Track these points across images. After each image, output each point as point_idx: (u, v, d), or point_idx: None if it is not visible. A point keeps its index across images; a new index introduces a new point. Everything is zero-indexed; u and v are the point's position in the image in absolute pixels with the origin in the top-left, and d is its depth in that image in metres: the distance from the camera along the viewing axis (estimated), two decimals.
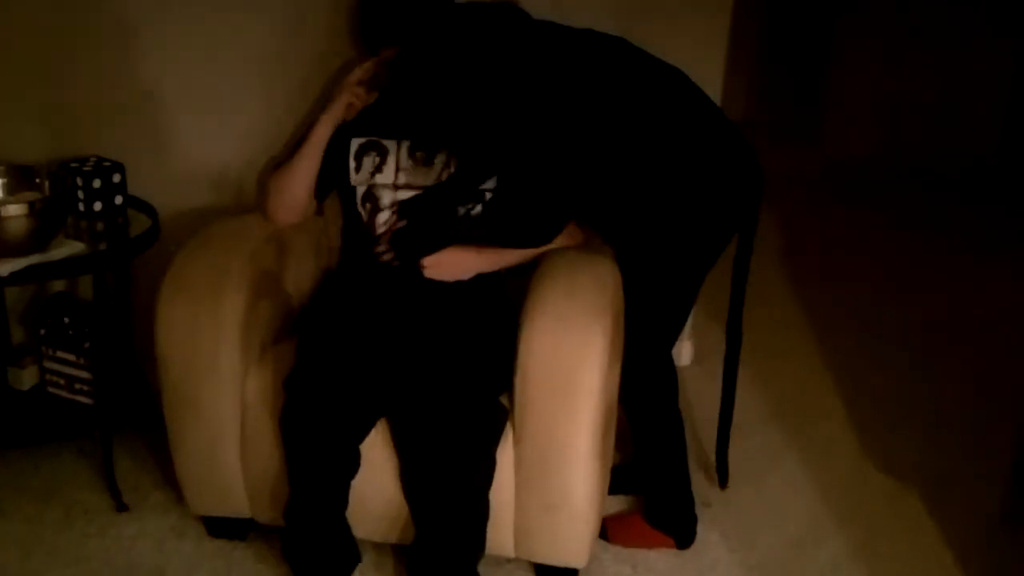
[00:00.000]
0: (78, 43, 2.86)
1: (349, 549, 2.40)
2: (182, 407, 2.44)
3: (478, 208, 2.60)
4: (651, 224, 2.42)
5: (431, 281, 2.53)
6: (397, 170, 2.62)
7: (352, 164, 2.64)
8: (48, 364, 2.92)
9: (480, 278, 2.57)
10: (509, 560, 2.50)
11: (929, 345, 3.91)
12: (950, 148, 6.01)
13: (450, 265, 2.53)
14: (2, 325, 3.04)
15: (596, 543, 2.52)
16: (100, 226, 2.79)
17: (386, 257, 2.59)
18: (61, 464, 2.93)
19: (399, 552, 2.52)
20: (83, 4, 2.83)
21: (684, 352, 3.56)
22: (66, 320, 2.89)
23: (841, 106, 6.14)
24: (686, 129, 2.37)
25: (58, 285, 3.08)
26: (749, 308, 2.68)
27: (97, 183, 2.79)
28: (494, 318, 2.51)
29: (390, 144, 2.63)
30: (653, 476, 2.71)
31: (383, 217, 2.63)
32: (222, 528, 2.63)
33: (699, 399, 3.25)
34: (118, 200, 2.84)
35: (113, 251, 2.72)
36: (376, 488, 2.35)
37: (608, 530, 2.68)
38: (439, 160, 2.60)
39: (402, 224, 2.60)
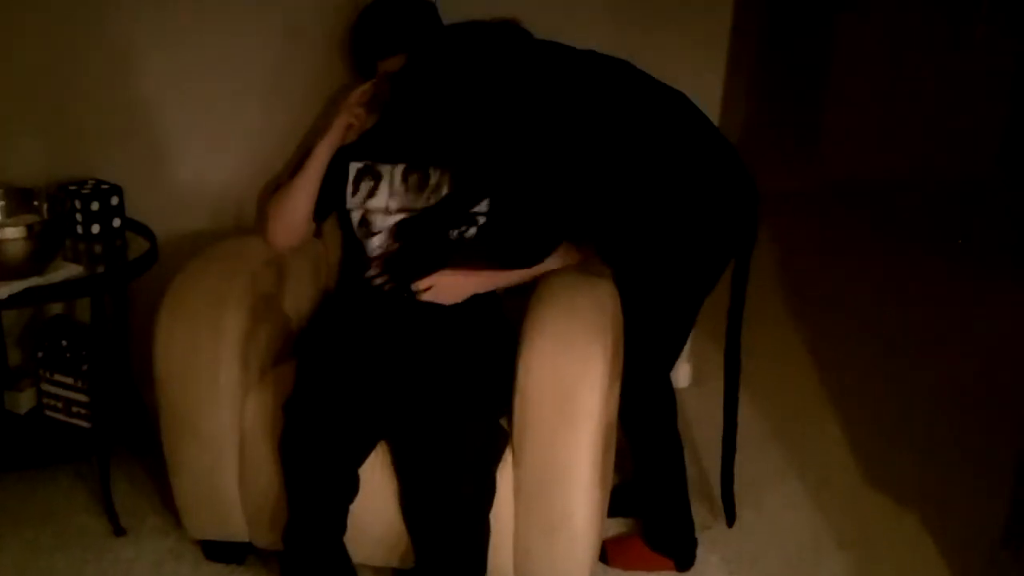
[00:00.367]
0: (77, 67, 2.87)
1: (347, 573, 2.39)
2: (180, 430, 2.43)
3: (472, 230, 2.60)
4: (650, 247, 2.42)
5: (428, 303, 2.53)
6: (390, 195, 2.63)
7: (349, 188, 2.65)
8: (46, 387, 2.91)
9: (477, 299, 2.57)
10: None
11: (929, 365, 3.91)
12: (948, 162, 6.03)
13: (444, 288, 2.53)
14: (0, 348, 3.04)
15: (596, 566, 2.51)
16: (98, 249, 2.79)
17: (378, 281, 2.59)
18: (58, 487, 2.92)
19: None
20: (83, 28, 2.84)
21: (683, 374, 3.55)
22: (64, 343, 2.88)
23: (838, 123, 6.15)
24: (685, 153, 2.37)
25: (56, 308, 3.08)
26: (746, 328, 2.67)
27: (95, 206, 2.79)
28: (492, 339, 2.51)
29: (384, 169, 2.64)
30: (653, 498, 2.70)
31: (376, 241, 2.63)
32: (220, 552, 2.62)
33: (698, 421, 3.24)
34: (116, 223, 2.84)
35: (111, 274, 2.72)
36: (375, 512, 2.33)
37: (608, 553, 2.67)
38: (431, 185, 2.61)
39: (395, 248, 2.60)
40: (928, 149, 6.04)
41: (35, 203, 2.71)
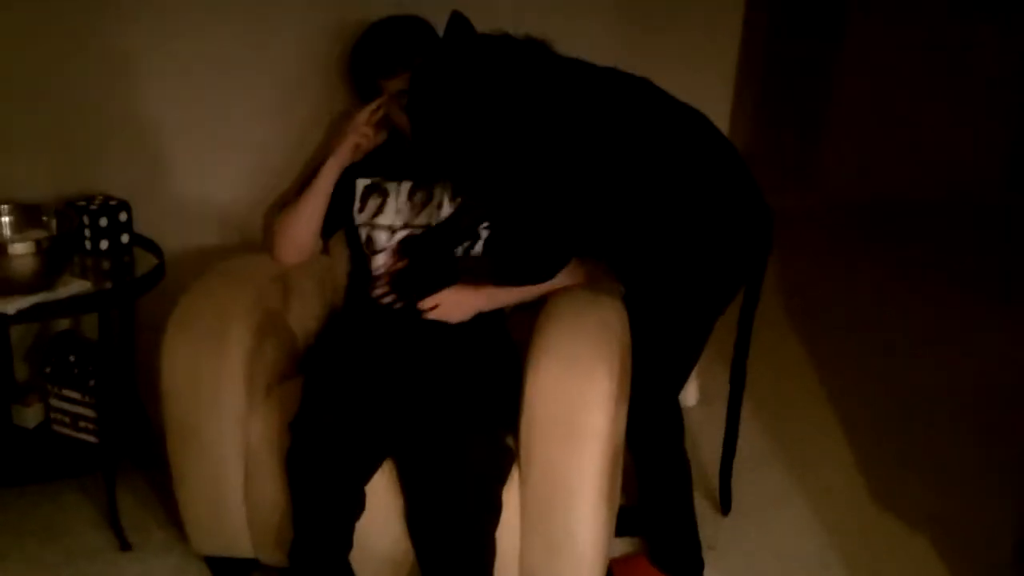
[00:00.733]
0: (86, 82, 2.88)
1: None
2: (186, 447, 2.43)
3: (478, 247, 2.60)
4: (664, 267, 2.41)
5: (434, 321, 2.53)
6: (396, 212, 2.63)
7: (357, 205, 2.66)
8: (53, 402, 2.91)
9: (482, 317, 2.58)
10: None
11: (935, 384, 3.89)
12: (951, 182, 6.02)
13: (450, 306, 2.54)
14: (7, 363, 3.04)
15: None
16: (106, 264, 2.79)
17: (385, 300, 2.59)
18: (64, 502, 2.92)
19: None
20: (91, 45, 2.85)
21: (690, 393, 3.54)
22: (71, 358, 2.89)
23: (840, 143, 6.15)
24: (701, 173, 2.35)
25: (63, 323, 3.08)
26: (753, 353, 2.67)
27: (104, 221, 2.79)
28: (497, 357, 2.51)
29: (391, 186, 2.65)
30: (659, 518, 2.69)
31: (380, 259, 2.63)
32: (226, 568, 2.62)
33: (705, 441, 3.23)
34: (124, 239, 2.84)
35: (118, 290, 2.72)
36: (381, 529, 2.33)
37: (614, 572, 2.66)
38: (437, 202, 2.61)
39: (401, 266, 2.60)
40: (931, 169, 6.03)
41: (43, 219, 2.71)
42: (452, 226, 2.60)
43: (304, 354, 2.65)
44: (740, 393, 2.74)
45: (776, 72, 6.05)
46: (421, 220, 2.63)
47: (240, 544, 2.50)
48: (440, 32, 2.59)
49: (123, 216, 2.83)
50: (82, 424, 2.87)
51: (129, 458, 2.96)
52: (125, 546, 2.75)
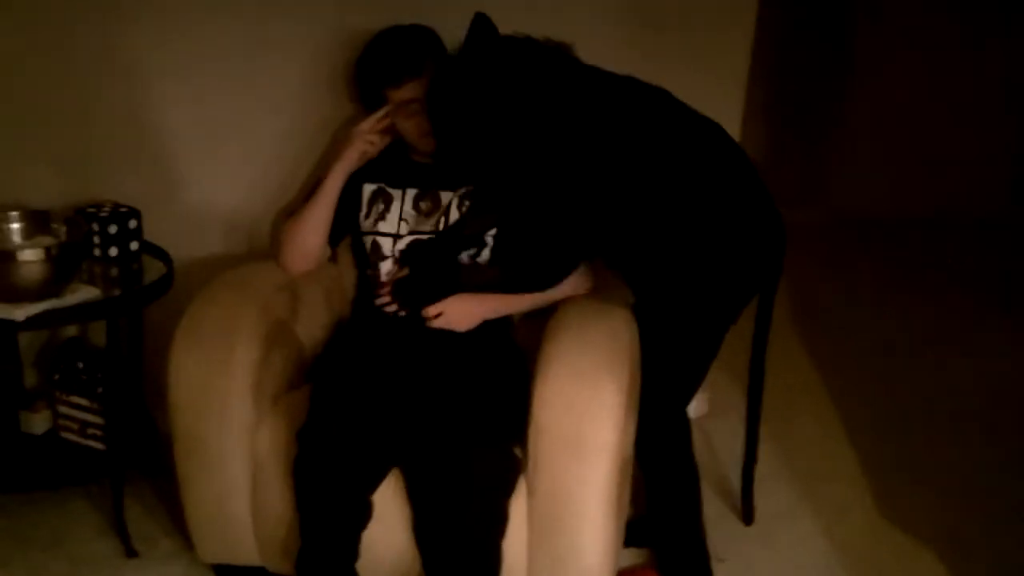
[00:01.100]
0: (96, 91, 2.89)
1: None
2: (193, 456, 2.43)
3: (484, 254, 2.60)
4: (675, 279, 2.41)
5: (441, 329, 2.52)
6: (400, 219, 2.63)
7: (363, 210, 2.65)
8: (61, 409, 2.91)
9: (489, 326, 2.57)
10: None
11: (945, 400, 3.86)
12: (960, 197, 6.00)
13: (456, 314, 2.53)
14: (16, 369, 3.05)
15: None
16: (115, 271, 2.79)
17: (390, 308, 2.59)
18: (71, 509, 2.92)
19: None
20: (102, 54, 2.86)
21: (699, 404, 3.53)
22: (80, 365, 2.89)
23: (848, 160, 6.14)
24: (716, 185, 2.35)
25: (72, 330, 3.09)
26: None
27: (113, 229, 2.79)
28: (505, 367, 2.51)
29: (396, 193, 2.64)
30: (667, 530, 2.68)
31: (386, 267, 2.63)
32: None
33: (715, 452, 3.22)
34: (134, 246, 2.84)
35: (127, 297, 2.72)
36: (388, 539, 2.32)
37: None
38: (442, 210, 2.61)
39: (403, 273, 2.59)
40: (939, 184, 6.01)
41: (53, 226, 2.71)
42: (456, 233, 2.59)
43: (311, 363, 2.65)
44: (759, 403, 2.74)
45: (785, 85, 6.03)
46: (428, 227, 2.62)
47: (247, 553, 2.50)
48: (445, 41, 2.61)
49: (132, 223, 2.83)
50: (90, 431, 2.87)
51: (136, 466, 2.95)
52: (131, 554, 2.75)
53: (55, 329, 3.06)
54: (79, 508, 2.93)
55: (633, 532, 2.72)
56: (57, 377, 2.91)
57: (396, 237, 2.63)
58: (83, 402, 2.86)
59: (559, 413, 2.19)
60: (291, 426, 2.34)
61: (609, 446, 2.19)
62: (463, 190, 2.60)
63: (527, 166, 2.32)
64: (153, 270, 2.81)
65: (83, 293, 2.59)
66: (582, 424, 2.18)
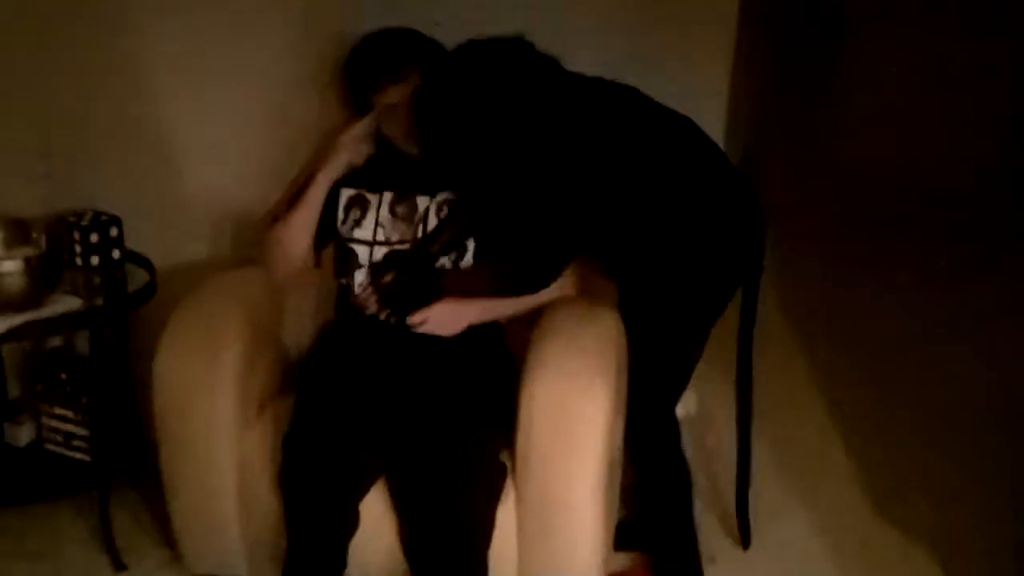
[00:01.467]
0: (75, 97, 2.86)
1: None
2: (179, 465, 2.41)
3: (467, 258, 2.57)
4: (657, 273, 2.40)
5: (427, 335, 2.50)
6: (376, 225, 2.60)
7: (340, 216, 2.63)
8: (45, 420, 2.89)
9: (477, 330, 2.55)
10: None
11: (942, 395, 3.84)
12: (962, 187, 6.00)
13: (440, 320, 2.50)
14: None
15: None
16: (97, 280, 2.77)
17: (368, 312, 2.56)
18: (58, 522, 2.89)
19: None
20: (80, 59, 2.83)
21: (689, 402, 3.51)
22: (63, 376, 2.87)
23: (841, 144, 6.13)
24: (692, 178, 2.36)
25: (56, 340, 3.05)
26: (756, 364, 2.64)
27: (94, 237, 2.77)
28: (492, 370, 2.49)
29: (373, 198, 2.62)
30: (658, 531, 2.67)
31: (360, 276, 2.60)
32: None
33: (704, 450, 3.21)
34: (115, 254, 2.82)
35: (110, 307, 2.70)
36: (375, 547, 2.31)
37: None
38: (419, 214, 2.58)
39: (387, 280, 2.57)
40: (940, 174, 6.00)
41: (33, 235, 2.68)
42: (434, 240, 2.56)
43: (298, 369, 2.63)
44: (749, 405, 2.72)
45: (776, 71, 6.02)
46: (405, 235, 2.59)
47: (234, 562, 2.48)
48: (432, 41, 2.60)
49: (114, 231, 2.81)
50: (75, 442, 2.85)
51: (124, 476, 2.93)
52: (119, 567, 2.72)
53: (38, 340, 3.02)
54: (65, 521, 2.89)
55: (624, 534, 2.70)
56: (41, 388, 2.89)
57: (372, 244, 2.60)
58: (68, 413, 2.84)
59: (548, 417, 2.18)
60: (277, 433, 2.32)
61: (599, 448, 2.18)
62: (441, 196, 2.58)
63: (511, 169, 2.31)
64: (136, 278, 2.80)
65: (64, 303, 2.57)
66: (572, 427, 2.17)
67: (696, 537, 2.66)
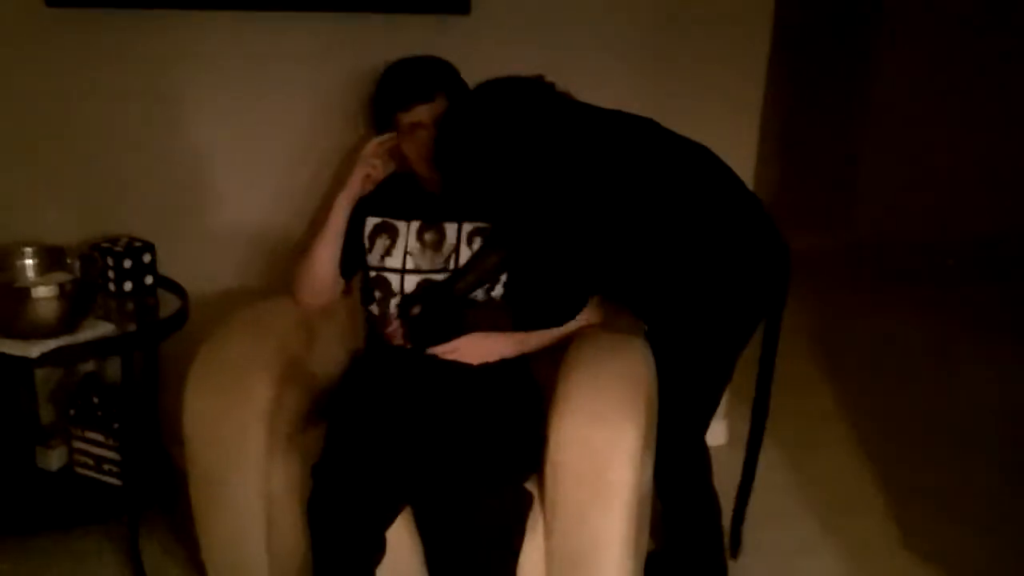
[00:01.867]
0: (110, 127, 2.90)
1: None
2: (208, 495, 2.40)
3: (497, 289, 2.58)
4: (681, 306, 2.39)
5: (455, 364, 2.50)
6: (406, 253, 2.61)
7: (366, 244, 2.64)
8: (77, 444, 2.90)
9: (505, 360, 2.55)
10: None
11: (970, 429, 3.81)
12: (988, 220, 5.95)
13: (471, 349, 2.51)
14: (32, 405, 3.04)
15: None
16: (130, 306, 2.79)
17: (396, 342, 2.57)
18: (88, 547, 2.90)
19: None
20: (116, 89, 2.86)
21: (718, 432, 3.50)
22: (95, 400, 2.88)
23: (872, 186, 6.09)
24: (713, 210, 2.34)
25: (88, 365, 3.08)
26: (782, 396, 2.63)
27: (128, 263, 2.79)
28: (520, 401, 2.48)
29: (401, 225, 2.62)
30: (688, 562, 2.65)
31: (395, 303, 2.61)
32: None
33: (734, 482, 3.18)
34: (148, 280, 2.84)
35: (142, 333, 2.72)
36: (401, 574, 2.30)
37: None
38: (448, 243, 2.58)
39: (415, 312, 2.57)
40: (966, 208, 5.96)
41: (68, 261, 2.72)
42: (465, 277, 2.56)
43: (327, 398, 2.63)
44: (761, 430, 2.70)
45: (804, 111, 6.01)
46: (435, 263, 2.60)
47: None
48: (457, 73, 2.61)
49: (147, 258, 2.83)
50: (106, 467, 2.86)
51: (154, 502, 2.94)
52: None
53: (71, 365, 3.04)
54: (96, 546, 2.91)
55: (652, 567, 2.69)
56: (73, 413, 2.90)
57: (403, 272, 2.61)
58: (99, 438, 2.85)
59: (576, 454, 2.16)
60: (305, 463, 2.32)
61: (629, 485, 2.16)
62: (469, 226, 2.58)
63: (530, 207, 2.31)
64: (168, 304, 2.81)
65: (98, 329, 2.58)
66: (601, 465, 2.15)
67: (726, 569, 2.64)
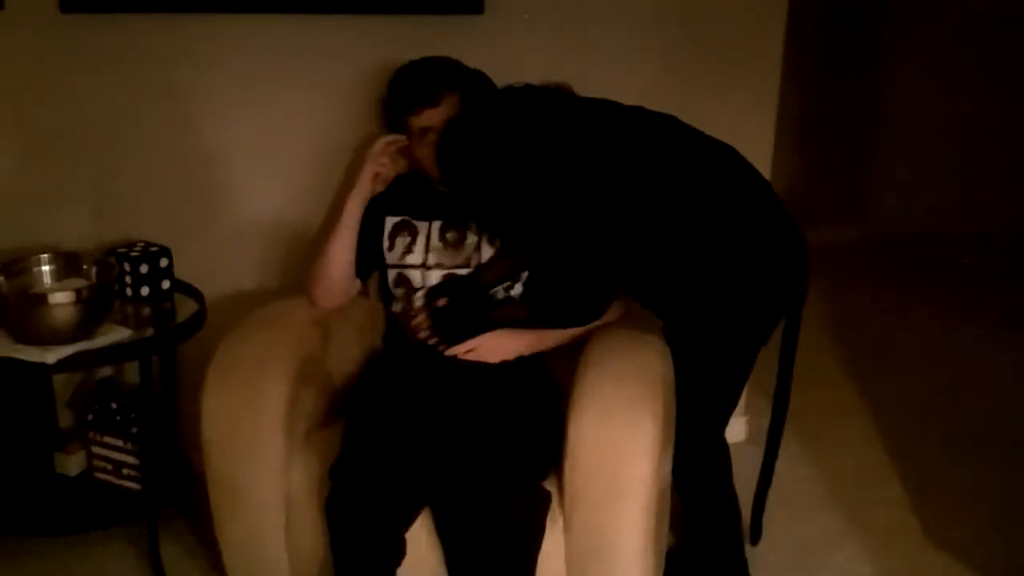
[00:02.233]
0: (124, 132, 2.90)
1: None
2: (227, 496, 2.41)
3: (517, 288, 2.57)
4: (700, 302, 2.38)
5: (473, 362, 2.50)
6: (427, 250, 2.60)
7: (386, 243, 2.63)
8: (96, 449, 2.90)
9: (522, 358, 2.56)
10: None
11: (990, 427, 3.78)
12: (1003, 213, 5.92)
13: (490, 349, 2.51)
14: (50, 411, 3.05)
15: None
16: (147, 311, 2.79)
17: (421, 336, 2.56)
18: (108, 552, 2.90)
19: None
20: (128, 96, 2.87)
21: (738, 429, 3.48)
22: (113, 405, 2.89)
23: (889, 178, 6.07)
24: (734, 207, 2.33)
25: (106, 370, 3.08)
26: (804, 391, 2.61)
27: (144, 268, 2.79)
28: (538, 399, 2.48)
29: (421, 225, 2.63)
30: (708, 559, 2.64)
31: (419, 299, 2.60)
32: None
33: (755, 478, 3.16)
34: (165, 285, 2.84)
35: (159, 337, 2.71)
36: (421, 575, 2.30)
37: None
38: (470, 241, 2.58)
39: (441, 304, 2.57)
40: (981, 200, 5.93)
41: (84, 267, 2.71)
42: (488, 272, 2.56)
43: (344, 398, 2.63)
44: (781, 423, 2.70)
45: (822, 103, 5.98)
46: (456, 260, 2.60)
47: None
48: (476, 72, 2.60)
49: (163, 262, 2.83)
50: (125, 471, 2.86)
51: (173, 505, 2.94)
52: None
53: (88, 370, 3.05)
54: (115, 550, 2.91)
55: (672, 564, 2.67)
56: (91, 418, 2.91)
57: (424, 268, 2.60)
58: (117, 442, 2.85)
59: (595, 452, 2.16)
60: (323, 463, 2.32)
61: (648, 481, 2.16)
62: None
63: (548, 208, 2.30)
64: (185, 308, 2.81)
65: (115, 334, 2.58)
66: (619, 461, 2.15)
67: (746, 565, 2.63)
